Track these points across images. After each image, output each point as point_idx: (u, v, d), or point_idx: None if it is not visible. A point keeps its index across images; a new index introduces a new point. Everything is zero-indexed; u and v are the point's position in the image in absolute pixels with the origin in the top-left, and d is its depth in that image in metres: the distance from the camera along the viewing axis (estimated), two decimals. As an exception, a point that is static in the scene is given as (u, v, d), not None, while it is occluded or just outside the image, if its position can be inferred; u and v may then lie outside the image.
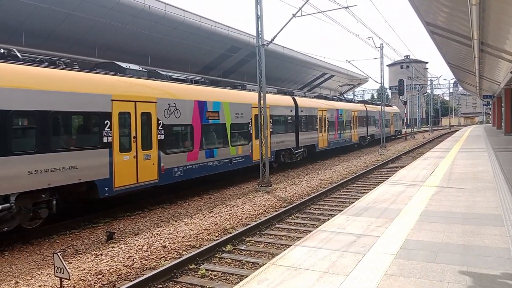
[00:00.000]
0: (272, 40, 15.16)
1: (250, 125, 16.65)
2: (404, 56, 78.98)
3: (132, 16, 23.09)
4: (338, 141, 26.74)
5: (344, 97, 33.41)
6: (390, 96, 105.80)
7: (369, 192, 10.43)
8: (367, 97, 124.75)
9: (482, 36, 14.22)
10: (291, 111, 20.24)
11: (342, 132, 27.39)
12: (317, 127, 23.22)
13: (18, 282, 6.70)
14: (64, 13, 20.32)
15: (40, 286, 6.51)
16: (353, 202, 9.52)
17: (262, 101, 14.69)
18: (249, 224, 9.69)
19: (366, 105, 34.68)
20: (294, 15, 15.16)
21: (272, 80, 39.25)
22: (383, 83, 33.75)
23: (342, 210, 8.54)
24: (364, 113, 33.05)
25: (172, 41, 27.41)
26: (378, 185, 12.19)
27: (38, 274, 7.06)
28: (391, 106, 46.65)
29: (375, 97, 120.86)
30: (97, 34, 23.47)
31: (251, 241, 8.64)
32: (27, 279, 6.84)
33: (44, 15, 20.20)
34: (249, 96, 16.96)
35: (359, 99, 53.01)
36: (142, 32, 24.37)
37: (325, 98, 27.16)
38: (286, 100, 20.36)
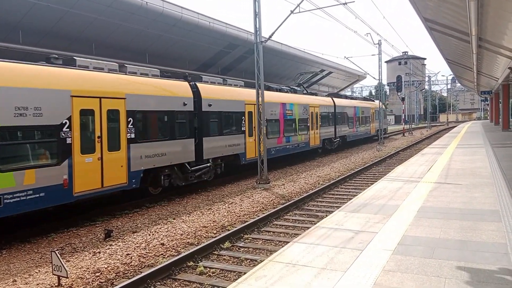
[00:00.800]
0: (270, 37, 15.15)
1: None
2: (402, 53, 79.06)
3: (130, 13, 23.01)
4: (286, 147, 19.99)
5: (304, 88, 26.89)
6: (388, 93, 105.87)
7: (367, 189, 10.44)
8: (365, 93, 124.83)
9: (480, 31, 14.22)
10: (185, 104, 13.33)
11: (292, 134, 20.62)
12: (243, 128, 16.58)
13: (16, 281, 6.70)
14: (62, 10, 20.23)
15: (38, 284, 6.51)
16: (351, 199, 9.52)
17: (260, 98, 14.67)
18: (247, 221, 9.69)
19: (334, 98, 27.87)
20: (292, 12, 15.13)
21: (270, 77, 39.20)
22: (381, 80, 33.74)
23: (340, 207, 8.55)
24: (331, 108, 26.31)
25: (170, 39, 27.31)
26: (376, 181, 12.20)
27: (36, 272, 7.05)
28: (372, 101, 39.29)
29: (373, 93, 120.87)
30: (95, 31, 23.39)
31: (250, 238, 8.64)
32: (25, 277, 6.83)
33: (41, 13, 20.11)
34: None
35: (358, 95, 52.59)
36: (140, 29, 24.29)
37: (269, 88, 19.94)
38: (172, 87, 13.06)
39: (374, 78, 59.47)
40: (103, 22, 22.54)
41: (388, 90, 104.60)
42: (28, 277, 6.83)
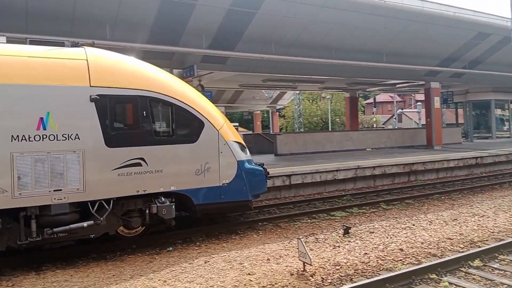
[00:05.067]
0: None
1: None
2: None
3: (368, 14, 23.20)
4: None
5: None
6: None
7: None
8: None
9: None
10: None
11: None
12: None
13: (269, 259, 7.71)
14: (306, 21, 22.26)
15: (287, 266, 7.28)
16: None
17: None
18: (503, 240, 8.23)
19: None
20: None
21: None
22: None
23: None
24: None
25: (407, 35, 26.13)
26: None
27: (285, 255, 7.93)
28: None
29: None
30: (333, 38, 24.65)
31: (507, 260, 7.30)
32: (277, 258, 7.77)
33: (289, 25, 22.67)
34: None
35: None
36: (376, 29, 24.18)
37: None
38: None
39: None
40: (340, 27, 23.53)
41: None
42: (279, 258, 7.75)
